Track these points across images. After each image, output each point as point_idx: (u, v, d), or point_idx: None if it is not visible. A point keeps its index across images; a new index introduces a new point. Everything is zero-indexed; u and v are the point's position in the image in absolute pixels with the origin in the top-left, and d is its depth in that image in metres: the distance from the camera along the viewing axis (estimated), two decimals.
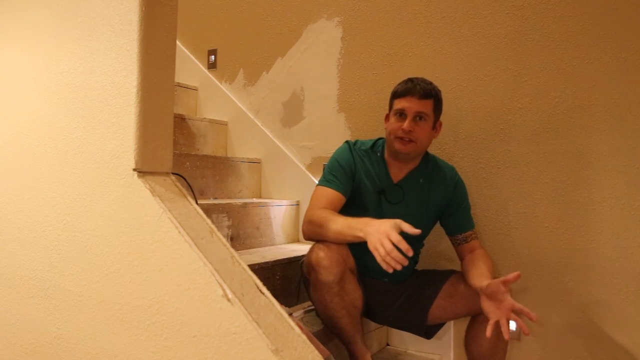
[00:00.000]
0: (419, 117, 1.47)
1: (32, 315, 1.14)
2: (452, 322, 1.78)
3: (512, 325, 1.72)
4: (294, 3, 2.21)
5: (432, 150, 1.81)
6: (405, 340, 1.88)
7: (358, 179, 1.55)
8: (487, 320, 1.33)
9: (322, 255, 1.36)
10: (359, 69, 2.04)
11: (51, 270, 1.11)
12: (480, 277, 1.38)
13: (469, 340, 1.48)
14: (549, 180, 1.67)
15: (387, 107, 1.60)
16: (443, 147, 1.84)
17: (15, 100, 1.21)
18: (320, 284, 1.38)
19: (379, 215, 1.51)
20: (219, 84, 2.44)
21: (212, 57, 2.48)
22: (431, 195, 1.57)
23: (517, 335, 1.72)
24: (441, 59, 1.85)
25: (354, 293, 1.42)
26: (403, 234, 1.42)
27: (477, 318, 1.46)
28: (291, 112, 2.22)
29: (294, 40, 2.21)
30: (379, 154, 1.59)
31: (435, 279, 1.57)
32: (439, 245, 1.82)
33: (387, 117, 1.58)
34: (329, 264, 1.35)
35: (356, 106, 2.05)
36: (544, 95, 1.68)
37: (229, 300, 0.86)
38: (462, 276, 1.52)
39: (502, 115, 1.74)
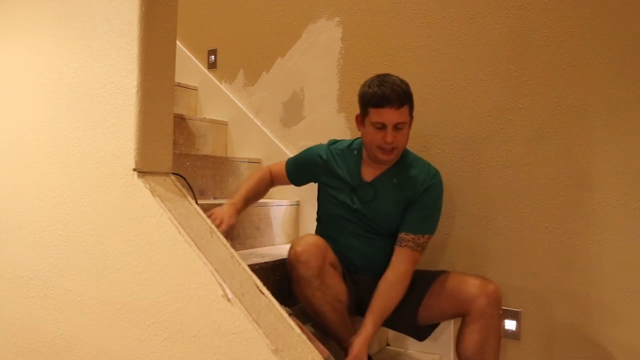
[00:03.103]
0: (398, 127, 1.45)
1: (32, 315, 1.14)
2: (452, 322, 1.78)
3: (513, 324, 1.72)
4: (294, 3, 2.21)
5: (433, 151, 1.82)
6: (405, 341, 1.88)
7: (328, 176, 1.62)
8: (472, 322, 1.39)
9: (299, 250, 1.39)
10: (359, 69, 2.04)
11: (51, 270, 1.11)
12: (367, 314, 1.44)
13: (457, 343, 1.48)
14: (549, 180, 1.67)
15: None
16: (443, 147, 1.84)
17: (16, 100, 1.21)
18: (300, 279, 1.41)
19: (353, 210, 1.57)
20: (219, 84, 2.44)
21: (212, 57, 2.48)
22: (403, 193, 1.55)
23: (517, 335, 1.72)
24: (441, 59, 1.85)
25: (336, 287, 1.44)
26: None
27: (464, 319, 1.46)
28: (291, 112, 2.22)
29: (294, 40, 2.21)
30: (355, 152, 1.60)
31: (424, 279, 1.56)
32: (431, 246, 1.82)
33: (359, 120, 1.54)
34: (307, 259, 1.38)
35: (356, 106, 2.04)
36: (544, 95, 1.68)
37: (229, 300, 0.87)
38: (449, 276, 1.52)
39: (502, 115, 1.74)
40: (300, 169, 1.71)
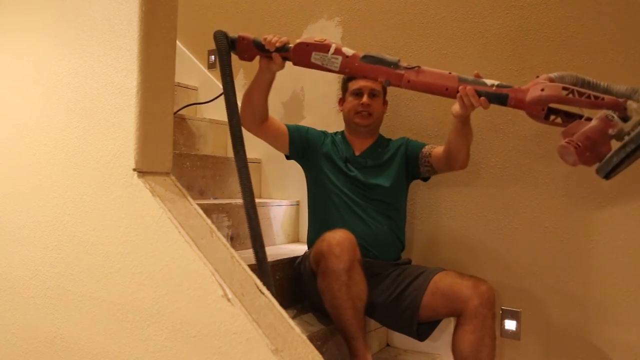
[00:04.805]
0: (372, 94, 1.70)
1: (32, 315, 1.14)
2: (452, 322, 1.78)
3: (512, 324, 1.72)
4: (294, 3, 2.21)
5: None
6: (405, 340, 1.88)
7: (328, 148, 1.76)
8: (466, 323, 1.41)
9: (334, 242, 1.41)
10: None
11: (51, 270, 1.11)
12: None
13: (453, 344, 1.49)
14: (549, 180, 1.67)
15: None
16: None
17: (16, 100, 1.21)
18: (329, 272, 1.41)
19: (348, 176, 1.71)
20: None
21: (212, 57, 2.48)
22: (390, 157, 1.73)
23: (517, 335, 1.72)
24: (441, 59, 1.85)
25: (361, 285, 1.45)
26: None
27: (458, 320, 1.48)
28: (291, 112, 2.22)
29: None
30: (340, 136, 1.82)
31: (421, 279, 1.57)
32: (435, 240, 1.83)
33: (341, 101, 1.81)
34: (341, 252, 1.40)
35: None
36: None
37: (229, 300, 0.86)
38: (443, 276, 1.53)
39: (502, 115, 1.74)
40: (305, 136, 1.77)
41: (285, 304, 1.01)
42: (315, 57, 1.32)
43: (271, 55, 1.38)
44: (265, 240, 1.97)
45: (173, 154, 1.09)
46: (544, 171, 1.67)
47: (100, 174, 1.04)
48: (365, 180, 1.68)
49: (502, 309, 1.73)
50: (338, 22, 2.09)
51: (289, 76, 2.23)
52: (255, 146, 2.30)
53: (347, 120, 1.78)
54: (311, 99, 2.17)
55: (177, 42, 1.12)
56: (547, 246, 1.67)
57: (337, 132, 1.85)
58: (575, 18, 1.63)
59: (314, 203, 1.79)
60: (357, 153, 1.76)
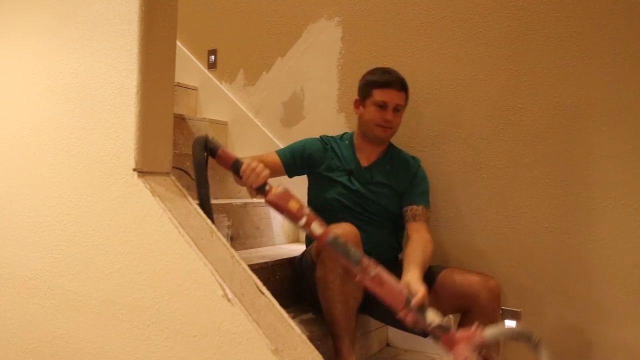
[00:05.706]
0: (397, 109, 1.63)
1: (32, 315, 1.14)
2: (451, 321, 1.78)
3: (512, 324, 1.72)
4: (294, 3, 2.21)
5: (433, 151, 1.82)
6: (405, 340, 1.88)
7: (330, 161, 1.68)
8: (476, 318, 1.38)
9: (339, 233, 1.39)
10: (359, 69, 2.02)
11: (51, 270, 1.11)
12: (408, 264, 1.40)
13: None
14: (549, 180, 1.67)
15: None
16: (444, 147, 1.84)
17: (16, 100, 1.21)
18: (327, 261, 1.41)
19: (352, 192, 1.65)
20: (219, 84, 2.44)
21: (212, 57, 2.48)
22: (398, 177, 1.68)
23: None
24: (441, 59, 1.85)
25: (355, 283, 1.43)
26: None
27: (465, 316, 1.47)
28: (291, 112, 2.22)
29: (294, 40, 2.21)
30: (347, 142, 1.73)
31: (426, 277, 1.56)
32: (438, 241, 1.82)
33: (357, 103, 1.69)
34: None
35: None
36: (544, 95, 1.68)
37: (229, 300, 0.87)
38: (450, 273, 1.53)
39: (502, 115, 1.74)
40: (300, 157, 1.69)
41: (285, 304, 1.01)
42: (287, 216, 1.33)
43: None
44: (265, 240, 1.99)
45: (173, 154, 1.09)
46: (544, 171, 1.67)
47: (100, 174, 1.04)
48: (368, 196, 1.64)
49: (502, 309, 1.73)
50: (338, 22, 2.09)
51: (289, 76, 2.23)
52: (255, 146, 2.30)
53: (364, 127, 1.68)
54: (311, 99, 2.17)
55: (177, 42, 1.12)
56: (547, 246, 1.67)
57: (342, 135, 1.78)
58: (575, 18, 1.63)
59: (314, 210, 1.75)
60: (364, 164, 1.69)
